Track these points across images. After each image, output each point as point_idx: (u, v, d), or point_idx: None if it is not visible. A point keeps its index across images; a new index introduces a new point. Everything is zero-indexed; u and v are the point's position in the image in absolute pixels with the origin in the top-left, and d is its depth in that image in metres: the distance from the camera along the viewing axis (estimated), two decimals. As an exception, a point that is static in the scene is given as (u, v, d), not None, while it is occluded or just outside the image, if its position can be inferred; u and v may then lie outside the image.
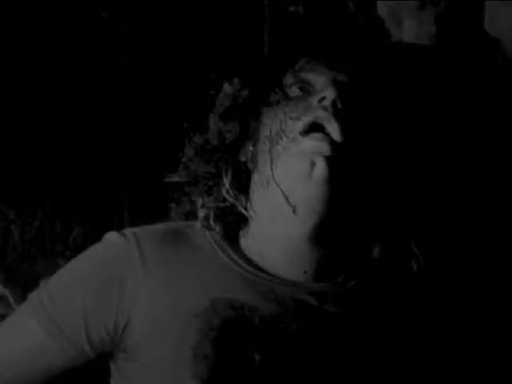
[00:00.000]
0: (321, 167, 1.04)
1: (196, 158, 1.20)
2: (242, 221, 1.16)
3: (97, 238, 1.17)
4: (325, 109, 1.06)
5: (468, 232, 1.33)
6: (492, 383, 1.20)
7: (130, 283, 1.09)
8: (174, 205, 1.31)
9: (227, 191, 1.16)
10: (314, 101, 1.07)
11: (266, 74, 1.17)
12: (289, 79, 1.13)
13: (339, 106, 1.06)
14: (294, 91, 1.12)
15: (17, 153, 1.38)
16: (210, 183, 1.18)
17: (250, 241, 1.14)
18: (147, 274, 1.10)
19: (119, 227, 1.18)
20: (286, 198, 1.07)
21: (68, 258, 1.21)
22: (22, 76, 1.38)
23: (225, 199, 1.16)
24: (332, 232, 1.09)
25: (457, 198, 1.31)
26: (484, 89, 1.38)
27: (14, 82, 1.38)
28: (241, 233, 1.16)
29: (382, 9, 1.43)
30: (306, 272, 1.11)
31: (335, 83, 1.08)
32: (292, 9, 1.38)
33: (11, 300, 1.34)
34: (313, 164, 1.04)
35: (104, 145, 1.40)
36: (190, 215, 1.23)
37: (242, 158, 1.17)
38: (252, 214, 1.13)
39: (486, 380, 1.19)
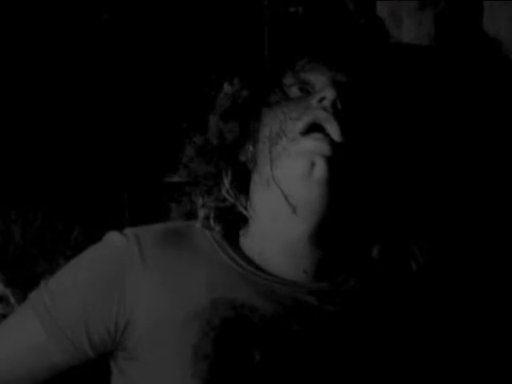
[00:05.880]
0: (320, 167, 1.04)
1: (196, 158, 1.20)
2: (242, 221, 1.16)
3: (97, 237, 1.17)
4: (324, 109, 1.06)
5: (468, 231, 1.33)
6: (492, 383, 1.20)
7: (130, 283, 1.10)
8: (174, 205, 1.32)
9: (227, 191, 1.16)
10: (314, 101, 1.08)
11: (265, 74, 1.17)
12: (289, 79, 1.14)
13: (339, 106, 1.06)
14: (294, 91, 1.12)
15: (17, 153, 1.38)
16: (211, 183, 1.18)
17: (250, 240, 1.14)
18: (148, 274, 1.10)
19: (119, 227, 1.18)
20: (286, 198, 1.07)
21: (69, 258, 1.21)
22: (22, 76, 1.38)
23: (225, 199, 1.16)
24: (332, 232, 1.10)
25: (456, 197, 1.31)
26: (483, 89, 1.38)
27: (14, 82, 1.38)
28: (241, 232, 1.16)
29: (382, 9, 1.44)
30: (305, 272, 1.11)
31: (335, 83, 1.08)
32: (292, 9, 1.38)
33: (12, 300, 1.34)
34: (313, 164, 1.05)
35: (104, 145, 1.40)
36: (191, 215, 1.23)
37: (242, 158, 1.17)
38: (252, 213, 1.13)
39: (486, 380, 1.19)
